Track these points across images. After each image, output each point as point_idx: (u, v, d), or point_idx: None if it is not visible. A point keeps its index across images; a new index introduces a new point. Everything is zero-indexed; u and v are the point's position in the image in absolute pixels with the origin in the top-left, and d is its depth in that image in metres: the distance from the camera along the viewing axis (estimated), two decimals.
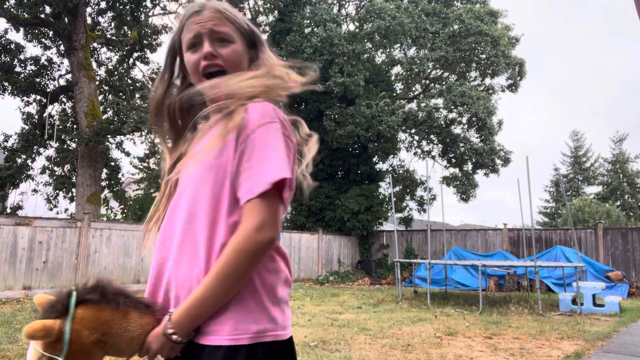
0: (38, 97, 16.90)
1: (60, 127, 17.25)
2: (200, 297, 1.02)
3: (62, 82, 17.13)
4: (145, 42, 18.07)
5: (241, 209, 1.05)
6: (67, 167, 16.71)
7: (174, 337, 1.04)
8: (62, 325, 0.96)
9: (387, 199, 17.49)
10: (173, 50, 1.25)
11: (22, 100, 16.71)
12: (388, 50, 18.47)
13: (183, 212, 1.12)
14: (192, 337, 1.06)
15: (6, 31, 15.53)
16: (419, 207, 18.77)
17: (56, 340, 0.95)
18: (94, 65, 16.80)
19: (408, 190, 18.85)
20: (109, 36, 17.63)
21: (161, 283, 1.14)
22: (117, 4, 16.72)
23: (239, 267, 1.01)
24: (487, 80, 19.63)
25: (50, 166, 16.60)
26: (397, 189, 18.89)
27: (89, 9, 16.77)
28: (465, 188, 17.71)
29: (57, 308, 0.98)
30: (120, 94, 17.17)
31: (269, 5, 19.74)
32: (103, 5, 17.16)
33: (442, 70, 19.51)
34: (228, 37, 1.19)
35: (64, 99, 17.54)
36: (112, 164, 16.08)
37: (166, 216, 1.18)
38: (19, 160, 16.59)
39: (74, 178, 16.13)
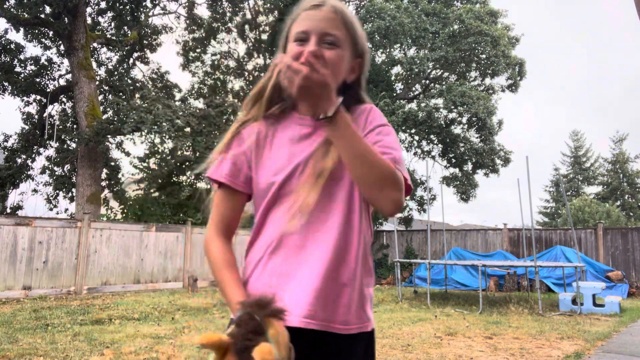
0: (38, 97, 16.90)
1: (60, 127, 17.26)
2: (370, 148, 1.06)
3: (62, 82, 17.15)
4: (145, 42, 18.08)
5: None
6: (67, 167, 16.72)
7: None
8: None
9: None
10: (285, 36, 1.22)
11: (22, 100, 16.72)
12: (388, 50, 18.47)
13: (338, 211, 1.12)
14: (345, 330, 1.09)
15: (6, 31, 15.54)
16: (419, 207, 18.76)
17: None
18: (94, 65, 16.81)
19: None
20: (109, 36, 17.64)
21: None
22: (117, 4, 16.73)
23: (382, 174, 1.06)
24: (487, 80, 19.62)
25: (50, 166, 16.61)
26: None
27: (89, 9, 16.78)
28: (465, 188, 17.71)
29: (258, 333, 0.90)
30: (120, 94, 17.18)
31: (269, 5, 19.74)
32: (103, 5, 17.18)
33: (442, 70, 19.50)
34: (337, 42, 1.16)
35: (64, 99, 17.55)
36: (112, 164, 16.08)
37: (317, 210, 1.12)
38: (19, 160, 16.60)
39: (74, 178, 16.14)
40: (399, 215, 18.58)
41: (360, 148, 1.05)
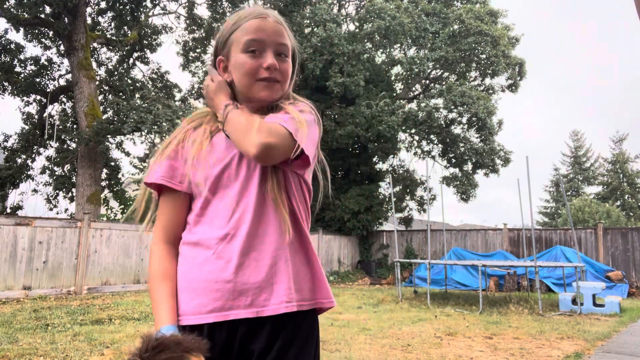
0: (38, 97, 16.90)
1: (60, 127, 17.26)
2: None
3: (62, 82, 17.14)
4: (145, 42, 18.07)
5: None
6: (67, 167, 16.72)
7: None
8: None
9: (387, 199, 17.48)
10: (224, 41, 1.25)
11: (22, 100, 16.72)
12: (388, 50, 18.46)
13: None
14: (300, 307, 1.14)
15: (6, 31, 15.54)
16: (419, 207, 18.76)
17: None
18: (94, 65, 16.80)
19: (408, 190, 18.84)
20: (109, 36, 17.64)
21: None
22: (117, 4, 16.72)
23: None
24: (487, 80, 19.63)
25: (50, 166, 16.61)
26: (397, 189, 18.89)
27: (89, 9, 16.78)
28: (465, 188, 17.71)
29: None
30: (120, 94, 17.17)
31: (268, 5, 19.73)
32: (103, 5, 17.17)
33: (442, 70, 19.50)
34: (286, 52, 1.23)
35: (64, 99, 17.54)
36: (112, 164, 16.08)
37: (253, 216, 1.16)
38: (19, 160, 16.59)
39: (74, 178, 16.14)
40: (399, 215, 18.57)
41: (237, 117, 1.15)
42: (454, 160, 18.09)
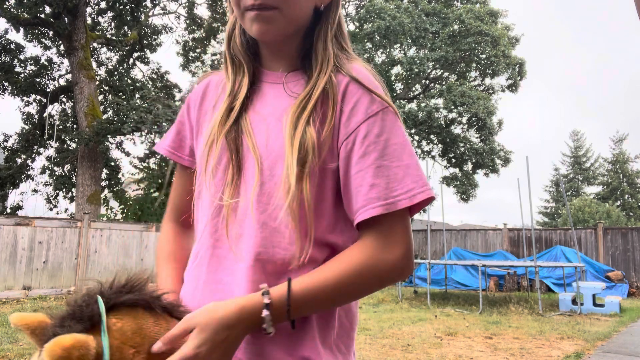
0: (38, 97, 16.90)
1: (60, 127, 17.26)
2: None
3: (62, 82, 17.14)
4: (145, 42, 18.07)
5: None
6: (67, 167, 16.72)
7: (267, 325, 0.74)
8: (98, 341, 0.66)
9: None
10: None
11: (22, 100, 16.72)
12: (388, 50, 18.46)
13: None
14: None
15: (6, 31, 15.54)
16: None
17: None
18: (94, 65, 16.80)
19: None
20: (109, 36, 17.64)
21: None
22: (117, 4, 16.72)
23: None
24: (487, 80, 19.63)
25: (50, 166, 16.61)
26: None
27: (89, 9, 16.77)
28: (465, 188, 17.71)
29: (83, 318, 0.69)
30: (120, 94, 17.18)
31: None
32: (103, 5, 17.17)
33: (442, 70, 19.50)
34: None
35: (64, 99, 17.54)
36: (112, 164, 16.09)
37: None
38: (19, 160, 16.59)
39: (74, 178, 16.14)
40: None
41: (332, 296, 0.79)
42: (454, 160, 18.10)
